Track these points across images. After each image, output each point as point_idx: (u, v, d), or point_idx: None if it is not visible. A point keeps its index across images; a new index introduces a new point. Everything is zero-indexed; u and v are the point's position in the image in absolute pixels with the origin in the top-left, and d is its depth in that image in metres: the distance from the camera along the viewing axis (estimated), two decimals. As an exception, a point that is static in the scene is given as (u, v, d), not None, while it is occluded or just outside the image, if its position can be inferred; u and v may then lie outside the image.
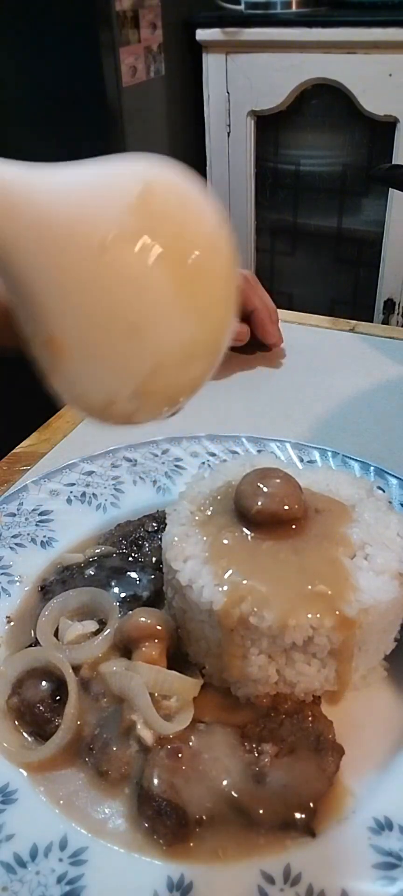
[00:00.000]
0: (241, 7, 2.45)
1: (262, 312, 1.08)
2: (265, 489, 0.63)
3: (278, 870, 0.47)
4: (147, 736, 0.54)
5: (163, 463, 0.85)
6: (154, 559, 0.71)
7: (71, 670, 0.58)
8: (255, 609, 0.55)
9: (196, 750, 0.53)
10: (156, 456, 0.86)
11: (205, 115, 2.60)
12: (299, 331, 1.21)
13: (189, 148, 2.71)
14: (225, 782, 0.51)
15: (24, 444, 0.91)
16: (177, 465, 0.85)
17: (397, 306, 2.56)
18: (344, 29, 2.24)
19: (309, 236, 2.79)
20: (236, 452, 0.85)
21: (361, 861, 0.46)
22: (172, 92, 2.55)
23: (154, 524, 0.76)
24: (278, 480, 0.64)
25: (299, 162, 2.67)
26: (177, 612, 0.62)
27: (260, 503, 0.62)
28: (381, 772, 0.53)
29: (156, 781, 0.51)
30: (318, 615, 0.55)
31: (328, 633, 0.55)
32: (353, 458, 0.80)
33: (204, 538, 0.63)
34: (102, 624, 0.64)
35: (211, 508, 0.67)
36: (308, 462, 0.82)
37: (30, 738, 0.56)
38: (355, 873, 0.46)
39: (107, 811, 0.51)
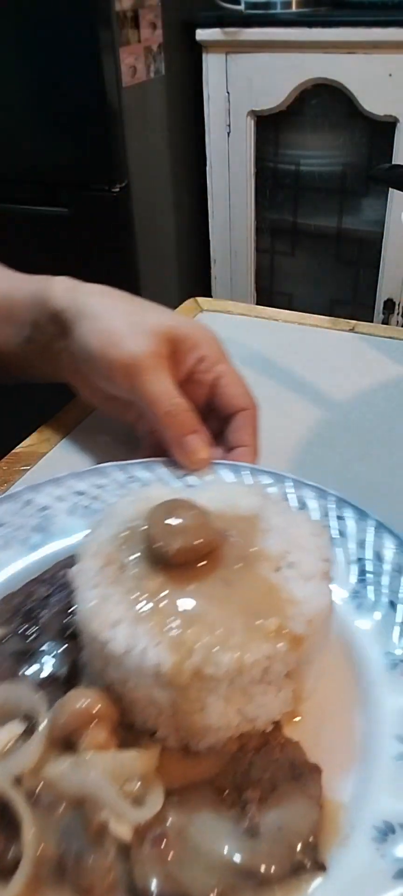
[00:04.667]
0: (241, 7, 2.45)
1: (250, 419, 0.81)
2: (176, 526, 0.59)
3: None
4: (123, 832, 0.49)
5: (31, 516, 0.76)
6: (58, 628, 0.64)
7: (10, 787, 0.50)
8: (209, 657, 0.52)
9: (178, 828, 0.50)
10: (16, 512, 0.76)
11: (205, 115, 2.60)
12: (299, 331, 1.21)
13: (189, 148, 2.71)
14: (221, 852, 0.48)
15: (24, 443, 0.91)
16: (43, 516, 0.77)
17: (397, 306, 2.56)
18: (344, 29, 2.24)
19: (309, 236, 2.79)
20: (102, 485, 0.77)
21: (380, 877, 0.45)
22: (172, 92, 2.55)
23: (44, 588, 0.68)
24: (187, 512, 0.61)
25: (299, 162, 2.67)
26: (115, 684, 0.57)
27: (177, 544, 0.58)
28: (361, 773, 0.53)
29: (150, 880, 0.47)
30: (272, 644, 0.53)
31: (283, 658, 0.54)
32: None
33: (126, 596, 0.58)
34: (28, 720, 0.56)
35: (119, 561, 0.61)
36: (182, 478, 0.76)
37: None
38: (379, 889, 0.45)
39: None
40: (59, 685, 0.59)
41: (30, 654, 0.63)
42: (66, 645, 0.63)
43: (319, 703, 0.58)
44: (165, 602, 0.57)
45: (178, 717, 0.55)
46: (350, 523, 0.73)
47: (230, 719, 0.55)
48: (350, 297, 2.75)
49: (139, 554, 0.61)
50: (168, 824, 0.50)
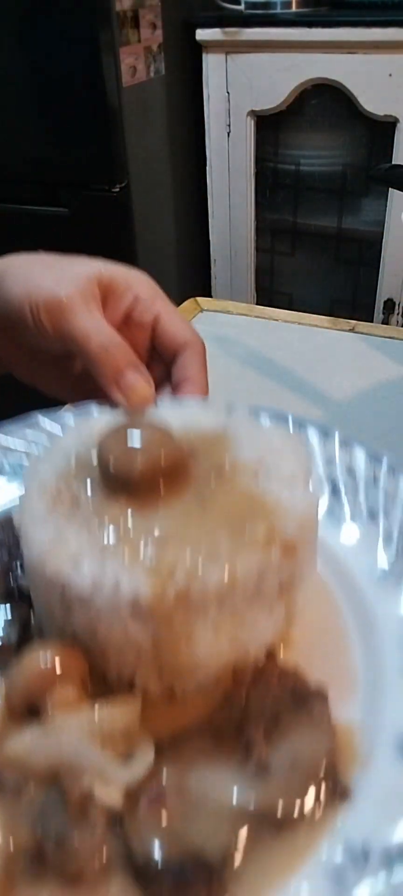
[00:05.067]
0: (241, 7, 2.45)
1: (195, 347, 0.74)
2: (136, 445, 0.52)
3: (342, 855, 0.40)
4: (112, 798, 0.42)
5: None
6: (2, 586, 0.55)
7: None
8: (195, 576, 0.45)
9: (176, 783, 0.43)
10: None
11: (205, 115, 2.60)
12: (299, 331, 1.21)
13: (189, 148, 2.71)
14: (230, 800, 0.42)
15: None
16: None
17: (397, 306, 2.56)
18: (344, 29, 2.24)
19: (309, 236, 2.79)
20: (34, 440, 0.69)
21: None
22: (172, 92, 2.55)
23: None
24: (145, 429, 0.54)
25: (299, 162, 2.67)
26: (81, 633, 0.49)
27: (139, 463, 0.51)
28: (368, 692, 0.49)
29: (152, 848, 0.40)
30: (264, 552, 0.47)
31: (276, 568, 0.48)
32: None
33: (86, 529, 0.50)
34: None
35: (70, 494, 0.53)
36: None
37: None
38: None
39: None
40: (10, 653, 0.50)
41: None
42: (14, 610, 0.53)
43: (311, 625, 0.54)
44: (133, 528, 0.49)
45: (161, 657, 0.47)
46: (314, 441, 0.67)
47: (220, 649, 0.48)
48: (350, 297, 2.75)
49: (93, 485, 0.53)
50: (163, 781, 0.42)
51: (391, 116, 2.31)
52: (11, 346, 0.79)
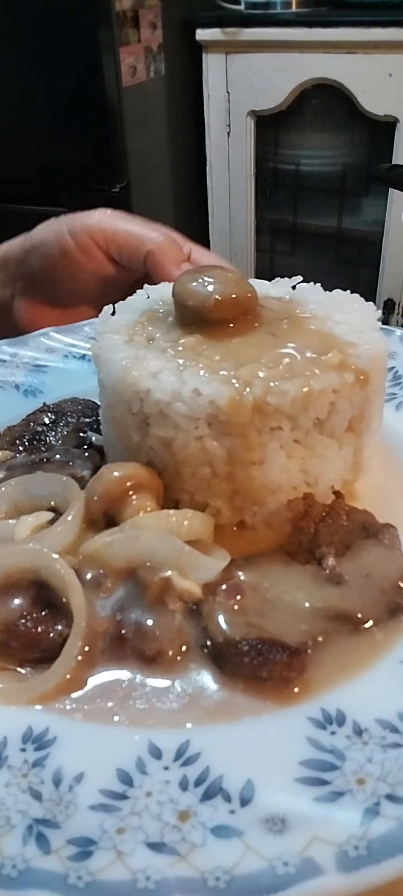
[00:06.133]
0: (241, 7, 2.45)
1: (160, 248, 0.80)
2: (212, 281, 0.55)
3: None
4: (192, 587, 0.44)
5: (18, 367, 0.77)
6: (73, 444, 0.60)
7: (53, 554, 0.44)
8: (272, 385, 0.47)
9: (252, 582, 0.44)
10: (5, 361, 0.78)
11: (205, 115, 2.60)
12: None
13: (189, 148, 2.71)
14: (306, 601, 0.44)
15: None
16: (36, 365, 0.77)
17: (397, 306, 2.56)
18: (344, 29, 2.24)
19: (309, 236, 2.79)
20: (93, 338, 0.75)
21: None
22: (172, 92, 2.55)
23: (48, 416, 0.65)
24: (219, 272, 0.57)
25: (299, 162, 2.67)
26: (156, 451, 0.51)
27: (215, 294, 0.54)
28: None
29: (232, 627, 0.42)
30: (339, 374, 0.49)
31: (349, 395, 0.50)
32: None
33: (163, 353, 0.52)
34: (55, 512, 0.50)
35: (145, 333, 0.55)
36: None
37: (24, 671, 0.43)
38: None
39: (181, 691, 0.41)
40: (84, 484, 0.52)
41: (45, 462, 0.56)
42: (87, 454, 0.57)
43: (375, 484, 0.57)
44: (209, 352, 0.51)
45: (235, 479, 0.49)
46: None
47: (292, 476, 0.50)
48: (350, 297, 2.74)
49: (167, 325, 0.56)
50: (240, 579, 0.44)
51: (391, 116, 2.30)
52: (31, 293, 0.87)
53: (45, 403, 0.69)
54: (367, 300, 0.63)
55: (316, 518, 0.50)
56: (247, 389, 0.47)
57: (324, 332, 0.55)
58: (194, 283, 0.55)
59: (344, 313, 0.58)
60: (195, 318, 0.54)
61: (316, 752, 0.38)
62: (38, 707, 0.41)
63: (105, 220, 0.81)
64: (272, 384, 0.47)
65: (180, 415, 0.48)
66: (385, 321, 2.75)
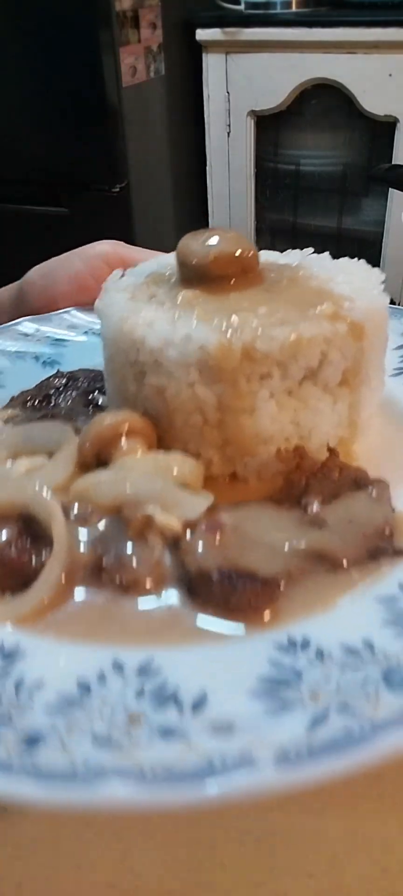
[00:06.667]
0: (241, 7, 2.45)
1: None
2: (213, 239, 0.56)
3: (393, 589, 0.43)
4: (172, 522, 0.45)
5: (39, 340, 0.79)
6: (81, 403, 0.62)
7: (40, 488, 0.46)
8: (260, 331, 0.47)
9: (234, 523, 0.45)
10: (28, 335, 0.80)
11: (205, 115, 2.60)
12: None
13: (189, 148, 2.71)
14: (285, 541, 0.44)
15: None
16: (57, 339, 0.80)
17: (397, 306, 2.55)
18: (344, 29, 2.24)
19: (309, 236, 2.79)
20: None
21: None
22: (172, 92, 2.55)
23: (61, 380, 0.67)
24: (221, 231, 0.58)
25: (299, 162, 2.67)
26: (151, 401, 0.52)
27: (215, 251, 0.55)
28: None
29: (207, 558, 0.43)
30: (331, 324, 0.49)
31: (341, 346, 0.50)
32: None
33: (160, 307, 0.53)
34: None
35: (148, 292, 0.57)
36: None
37: (10, 596, 0.45)
38: None
39: (151, 616, 0.42)
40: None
41: (49, 418, 0.58)
42: (91, 412, 0.60)
43: (373, 447, 0.56)
44: (204, 304, 0.52)
45: (226, 424, 0.49)
46: (391, 320, 0.68)
47: (283, 426, 0.50)
48: (350, 297, 2.75)
49: (170, 285, 0.57)
50: (222, 518, 0.45)
51: (391, 116, 2.30)
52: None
53: (58, 370, 0.70)
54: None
55: (307, 472, 0.50)
56: (237, 335, 0.47)
57: (321, 288, 0.55)
58: (195, 242, 0.56)
59: (348, 275, 0.58)
60: (195, 275, 0.55)
61: (275, 670, 0.39)
62: (13, 627, 0.42)
63: (111, 246, 0.85)
64: (260, 330, 0.47)
65: (172, 361, 0.49)
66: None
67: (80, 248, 0.86)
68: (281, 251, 0.71)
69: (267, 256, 0.66)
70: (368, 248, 2.59)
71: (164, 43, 2.42)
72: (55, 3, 2.12)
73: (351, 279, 0.57)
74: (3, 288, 0.94)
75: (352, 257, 0.65)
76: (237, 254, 0.55)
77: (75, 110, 2.24)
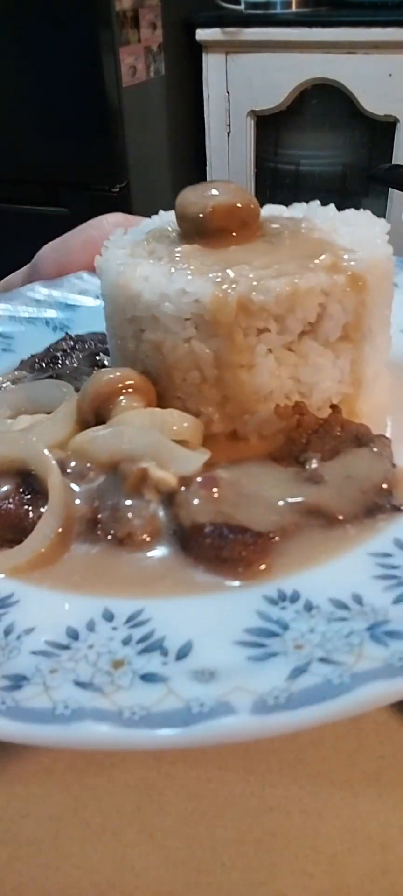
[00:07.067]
0: (241, 7, 2.45)
1: None
2: (213, 192, 0.55)
3: (388, 545, 0.42)
4: (167, 477, 0.45)
5: (50, 306, 0.79)
6: (87, 364, 0.63)
7: (38, 442, 0.47)
8: (256, 283, 0.46)
9: (231, 479, 0.45)
10: (39, 301, 0.80)
11: (205, 115, 2.60)
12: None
13: (189, 148, 2.71)
14: (280, 498, 0.44)
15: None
16: (68, 304, 0.79)
17: (397, 306, 2.56)
18: (344, 29, 2.24)
19: (309, 236, 2.79)
20: None
21: None
22: (172, 92, 2.55)
23: (69, 343, 0.68)
24: (221, 183, 0.57)
25: (299, 162, 2.67)
26: (150, 357, 0.52)
27: (213, 202, 0.53)
28: None
29: (200, 512, 0.43)
30: (329, 275, 0.48)
31: (341, 299, 0.49)
32: None
33: (159, 260, 0.53)
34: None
35: (148, 248, 0.56)
36: None
37: (8, 547, 0.46)
38: None
39: (144, 568, 0.43)
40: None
41: (53, 377, 0.59)
42: (92, 369, 0.60)
43: (379, 406, 0.54)
44: (202, 258, 0.51)
45: (224, 381, 0.49)
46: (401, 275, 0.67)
47: (282, 382, 0.49)
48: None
49: (170, 240, 0.57)
50: (219, 474, 0.45)
51: (391, 116, 2.31)
52: None
53: (67, 333, 0.70)
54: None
55: (308, 429, 0.49)
56: (232, 287, 0.46)
57: (322, 240, 0.54)
58: (194, 195, 0.55)
59: (351, 226, 0.56)
60: (195, 229, 0.54)
61: (262, 622, 0.39)
62: (9, 577, 0.43)
63: (123, 217, 0.82)
64: (256, 283, 0.46)
65: (168, 315, 0.49)
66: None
67: (93, 219, 0.84)
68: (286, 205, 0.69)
69: (272, 210, 0.65)
70: (368, 248, 2.59)
71: (164, 43, 2.42)
72: (55, 3, 2.12)
73: (355, 231, 0.55)
74: (16, 272, 0.93)
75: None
76: (237, 205, 0.54)
77: (75, 110, 2.24)
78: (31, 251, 0.91)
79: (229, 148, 2.63)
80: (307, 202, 0.65)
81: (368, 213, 0.59)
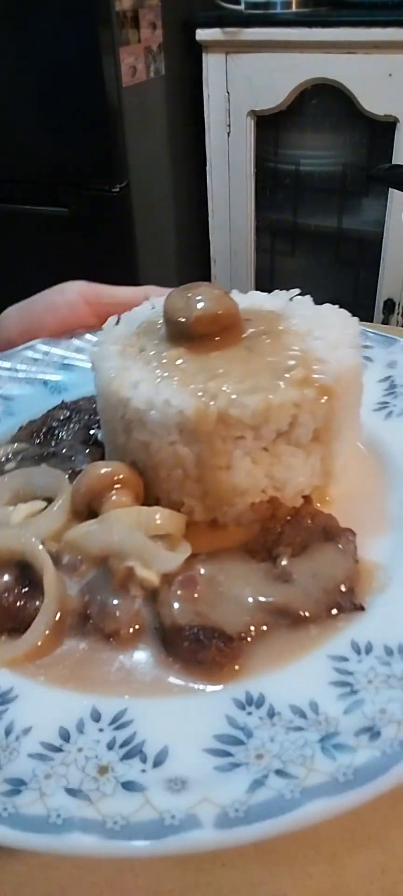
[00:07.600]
0: (241, 7, 2.45)
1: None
2: (197, 298, 0.60)
3: (345, 648, 0.46)
4: (150, 576, 0.49)
5: (48, 364, 0.82)
6: (81, 440, 0.66)
7: (36, 540, 0.51)
8: (234, 397, 0.52)
9: (208, 576, 0.50)
10: (37, 360, 0.82)
11: (205, 115, 2.60)
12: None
13: (189, 148, 2.71)
14: (252, 597, 0.49)
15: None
16: (64, 364, 0.82)
17: (397, 306, 2.56)
18: (344, 29, 2.24)
19: (309, 236, 2.79)
20: None
21: None
22: (172, 92, 2.55)
23: (64, 412, 0.71)
24: (206, 289, 0.62)
25: (299, 162, 2.67)
26: (138, 452, 0.57)
27: (198, 310, 0.59)
28: (396, 540, 0.54)
29: (179, 613, 0.47)
30: (300, 390, 0.53)
31: (311, 408, 0.54)
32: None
33: (147, 366, 0.58)
34: (50, 501, 0.57)
35: (138, 345, 0.62)
36: None
37: (2, 638, 0.50)
38: None
39: (128, 666, 0.47)
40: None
41: (51, 456, 0.63)
42: (88, 450, 0.64)
43: (348, 491, 0.59)
44: (188, 366, 0.56)
45: (205, 479, 0.54)
46: (378, 349, 0.73)
47: (258, 480, 0.54)
48: (350, 298, 2.75)
49: (159, 338, 0.61)
50: (198, 572, 0.49)
51: (391, 116, 2.31)
52: None
53: (63, 401, 0.74)
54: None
55: (282, 520, 0.54)
56: (212, 402, 0.52)
57: (298, 350, 0.58)
58: (180, 300, 0.60)
59: (325, 329, 0.61)
60: (181, 333, 0.59)
61: (229, 728, 0.42)
62: (7, 670, 0.48)
63: (84, 284, 0.86)
64: (234, 397, 0.52)
65: (154, 421, 0.54)
66: (384, 321, 2.73)
67: (56, 285, 0.88)
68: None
69: (254, 300, 0.70)
70: (368, 248, 2.59)
71: (164, 43, 2.42)
72: (55, 3, 2.12)
73: (327, 334, 0.60)
74: None
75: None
76: (218, 313, 0.59)
77: (75, 110, 2.24)
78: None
79: (229, 148, 2.63)
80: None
81: (343, 312, 0.65)
